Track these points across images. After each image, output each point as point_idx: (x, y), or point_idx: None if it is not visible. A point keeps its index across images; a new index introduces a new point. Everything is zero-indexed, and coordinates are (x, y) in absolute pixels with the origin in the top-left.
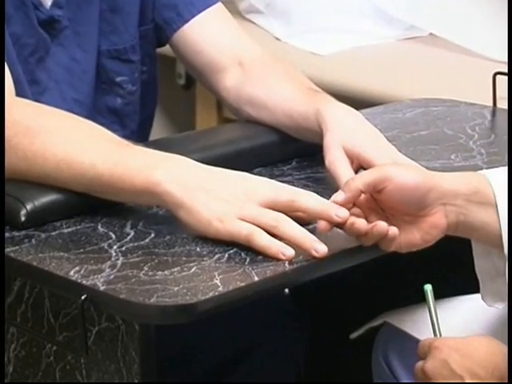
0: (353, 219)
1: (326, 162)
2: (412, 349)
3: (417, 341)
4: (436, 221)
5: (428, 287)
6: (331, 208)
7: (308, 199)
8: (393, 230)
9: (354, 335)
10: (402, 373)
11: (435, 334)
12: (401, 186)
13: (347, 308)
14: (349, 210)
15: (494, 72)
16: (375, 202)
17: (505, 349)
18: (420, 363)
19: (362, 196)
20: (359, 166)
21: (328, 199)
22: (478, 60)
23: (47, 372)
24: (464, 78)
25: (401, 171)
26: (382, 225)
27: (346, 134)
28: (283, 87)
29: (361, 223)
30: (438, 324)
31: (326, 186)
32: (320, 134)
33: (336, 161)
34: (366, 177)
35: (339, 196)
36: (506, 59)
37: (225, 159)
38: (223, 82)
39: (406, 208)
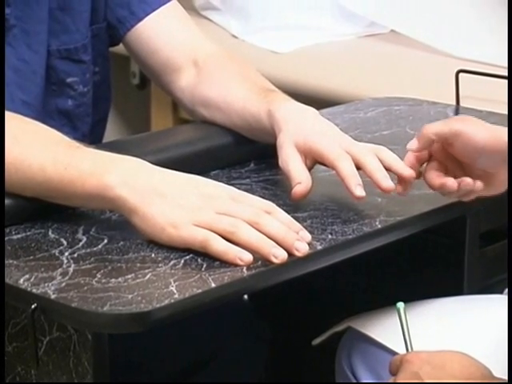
0: (444, 179)
1: (279, 162)
2: (376, 353)
3: (381, 345)
4: (504, 179)
5: (400, 305)
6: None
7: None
8: (478, 184)
9: (316, 341)
10: (366, 377)
11: (407, 351)
12: (468, 144)
13: (309, 314)
14: (425, 160)
15: (456, 70)
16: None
17: (476, 362)
18: (391, 379)
19: (436, 146)
20: (314, 161)
21: (287, 202)
22: (441, 57)
23: None
24: (426, 75)
25: (469, 128)
26: (468, 181)
27: (296, 131)
28: (236, 88)
29: (452, 183)
30: (410, 342)
31: (284, 188)
32: (274, 135)
33: (288, 158)
34: (436, 127)
35: (413, 144)
36: (469, 57)
37: (181, 161)
38: (178, 83)
39: (475, 163)
